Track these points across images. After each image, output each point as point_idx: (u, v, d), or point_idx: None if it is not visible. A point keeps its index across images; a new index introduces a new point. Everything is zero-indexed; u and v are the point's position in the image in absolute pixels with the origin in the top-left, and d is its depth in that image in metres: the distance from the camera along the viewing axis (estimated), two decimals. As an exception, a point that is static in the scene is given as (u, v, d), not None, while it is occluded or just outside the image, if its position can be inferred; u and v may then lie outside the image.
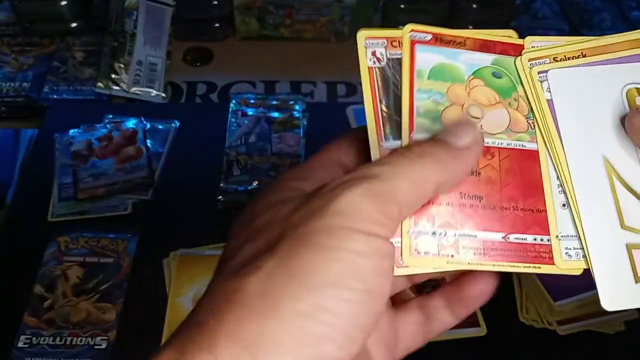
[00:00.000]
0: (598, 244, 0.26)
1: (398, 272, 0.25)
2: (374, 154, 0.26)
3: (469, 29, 0.31)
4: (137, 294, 0.57)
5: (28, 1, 0.79)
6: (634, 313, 0.55)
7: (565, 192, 0.27)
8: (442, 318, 0.29)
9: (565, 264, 0.26)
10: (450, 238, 0.25)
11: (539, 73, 0.28)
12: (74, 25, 0.82)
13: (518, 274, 0.58)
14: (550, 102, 0.28)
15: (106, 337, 0.54)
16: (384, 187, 0.22)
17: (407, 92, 0.27)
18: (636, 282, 0.26)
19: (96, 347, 0.53)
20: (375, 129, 0.27)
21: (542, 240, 0.26)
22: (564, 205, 0.27)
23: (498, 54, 0.28)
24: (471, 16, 0.83)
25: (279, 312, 0.20)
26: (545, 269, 0.26)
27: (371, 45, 0.28)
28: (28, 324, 0.54)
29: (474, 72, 0.28)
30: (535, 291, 0.56)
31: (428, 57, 0.28)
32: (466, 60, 0.28)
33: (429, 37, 0.28)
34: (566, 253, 0.26)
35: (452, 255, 0.25)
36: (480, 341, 0.54)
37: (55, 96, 0.74)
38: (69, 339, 0.53)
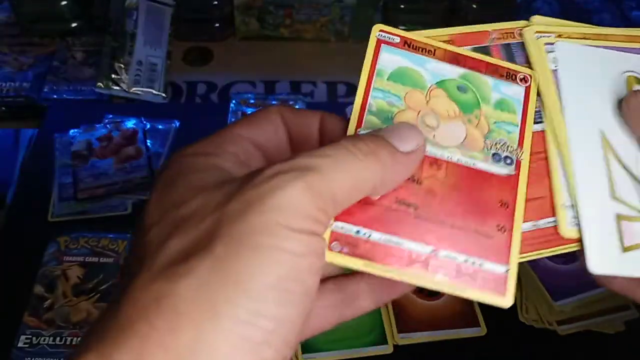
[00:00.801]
0: (590, 211, 0.27)
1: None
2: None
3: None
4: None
5: (28, 1, 0.79)
6: (634, 313, 0.56)
7: (564, 164, 0.27)
8: (361, 304, 0.27)
9: (571, 232, 0.26)
10: (374, 239, 0.24)
11: (545, 44, 0.29)
12: (74, 25, 0.82)
13: (519, 274, 0.58)
14: (554, 72, 0.28)
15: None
16: (324, 182, 0.21)
17: (362, 88, 0.27)
18: (623, 252, 0.26)
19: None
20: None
21: (473, 263, 0.25)
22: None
23: (468, 68, 0.28)
24: (471, 16, 0.83)
25: (215, 320, 0.19)
26: (470, 294, 0.24)
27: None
28: (28, 324, 0.54)
29: (437, 82, 0.28)
30: (535, 291, 0.56)
31: (393, 59, 0.28)
32: (432, 69, 0.28)
33: (397, 39, 0.28)
34: (572, 222, 0.27)
35: (371, 259, 0.24)
36: (480, 341, 0.54)
37: (55, 96, 0.74)
38: (69, 339, 0.53)
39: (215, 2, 0.81)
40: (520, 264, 0.57)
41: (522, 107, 0.28)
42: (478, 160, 0.26)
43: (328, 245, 0.24)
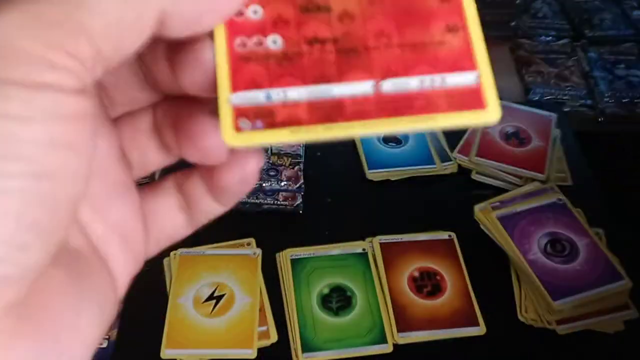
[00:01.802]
0: None
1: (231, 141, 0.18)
2: None
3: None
4: (137, 294, 0.57)
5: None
6: (634, 313, 0.56)
7: None
8: (207, 205, 0.22)
9: None
10: (293, 99, 0.19)
11: None
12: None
13: (516, 272, 0.58)
14: None
15: (107, 337, 0.54)
16: (59, 6, 0.14)
17: None
18: None
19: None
20: None
21: (432, 81, 0.19)
22: None
23: None
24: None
25: None
26: (442, 121, 0.19)
27: None
28: None
29: None
30: (535, 290, 0.56)
31: None
32: None
33: None
34: None
35: (299, 122, 0.19)
36: (480, 340, 0.55)
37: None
38: None
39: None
40: (519, 263, 0.57)
41: None
42: None
43: (235, 126, 0.18)
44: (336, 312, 0.55)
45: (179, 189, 0.22)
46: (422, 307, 0.56)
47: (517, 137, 0.70)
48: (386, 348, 0.53)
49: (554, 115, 0.73)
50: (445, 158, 0.69)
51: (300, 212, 0.63)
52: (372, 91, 0.19)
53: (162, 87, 0.21)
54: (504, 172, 0.67)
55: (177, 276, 0.56)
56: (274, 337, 0.54)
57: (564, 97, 0.80)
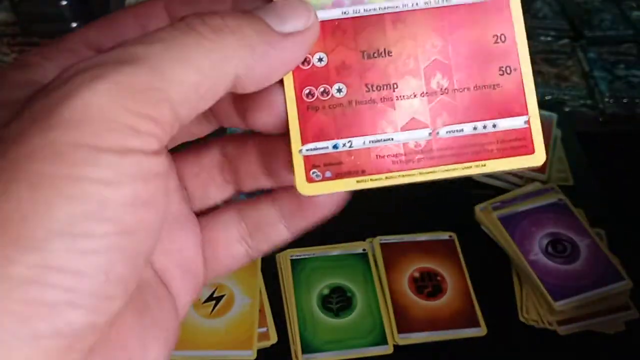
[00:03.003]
0: None
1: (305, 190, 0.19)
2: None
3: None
4: (136, 294, 0.57)
5: (28, 1, 0.79)
6: (634, 313, 0.55)
7: None
8: (275, 233, 0.22)
9: None
10: (357, 148, 0.19)
11: None
12: (74, 25, 0.82)
13: (517, 272, 0.58)
14: None
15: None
16: (145, 77, 0.15)
17: None
18: None
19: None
20: None
21: (485, 128, 0.19)
22: None
23: None
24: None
25: None
26: (492, 166, 0.20)
27: None
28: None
29: None
30: (536, 291, 0.56)
31: None
32: None
33: None
34: None
35: (364, 171, 0.20)
36: (480, 341, 0.54)
37: (55, 96, 0.74)
38: (68, 339, 0.53)
39: (215, 2, 0.81)
40: (520, 264, 0.57)
41: None
42: None
43: (307, 177, 0.19)
44: (336, 313, 0.55)
45: (242, 218, 0.22)
46: (422, 308, 0.56)
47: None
48: (386, 349, 0.53)
49: (554, 116, 0.73)
50: (445, 158, 0.68)
51: (300, 212, 0.63)
52: (429, 138, 0.19)
53: (221, 121, 0.22)
54: (504, 172, 0.66)
55: (176, 277, 0.56)
56: (273, 338, 0.53)
57: (564, 97, 0.80)
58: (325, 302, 0.56)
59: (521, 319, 0.56)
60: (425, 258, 0.59)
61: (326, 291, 0.56)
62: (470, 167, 0.19)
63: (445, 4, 0.20)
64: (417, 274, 0.58)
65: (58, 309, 0.14)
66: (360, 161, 0.20)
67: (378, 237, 0.60)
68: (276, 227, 0.22)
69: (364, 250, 0.60)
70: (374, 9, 0.19)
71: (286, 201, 0.22)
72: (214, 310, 0.54)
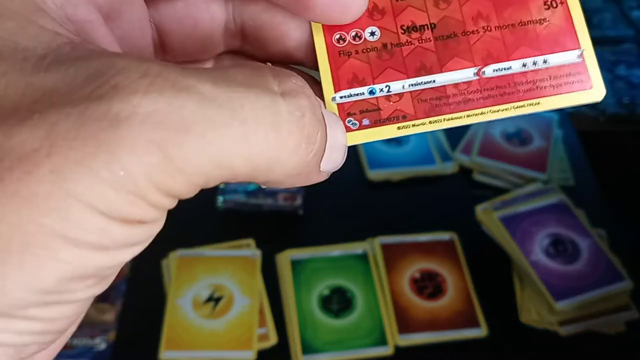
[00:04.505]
0: None
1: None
2: None
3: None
4: (136, 295, 0.56)
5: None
6: (635, 313, 0.55)
7: None
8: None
9: None
10: (396, 92, 0.18)
11: None
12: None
13: (518, 273, 0.58)
14: None
15: (105, 338, 0.53)
16: (199, 159, 0.13)
17: None
18: None
19: (95, 348, 0.53)
20: None
21: (535, 64, 0.19)
22: None
23: None
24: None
25: None
26: (548, 104, 0.19)
27: None
28: None
29: None
30: (537, 292, 0.56)
31: None
32: None
33: None
34: None
35: (405, 117, 0.18)
36: (481, 342, 0.54)
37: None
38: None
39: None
40: (521, 264, 0.56)
41: None
42: None
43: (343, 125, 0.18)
44: (336, 314, 0.55)
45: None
46: (423, 309, 0.55)
47: (518, 137, 0.70)
48: (387, 350, 0.53)
49: (555, 116, 0.73)
50: (446, 158, 0.68)
51: (300, 213, 0.63)
52: (475, 78, 0.18)
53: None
54: (505, 172, 0.66)
55: (175, 277, 0.56)
56: (273, 339, 0.53)
57: (565, 97, 0.80)
58: (326, 303, 0.55)
59: (522, 319, 0.56)
60: (426, 258, 0.59)
61: (326, 292, 0.56)
62: (524, 105, 0.18)
63: None
64: (417, 275, 0.58)
65: (23, 349, 0.13)
66: (401, 106, 0.18)
67: (378, 238, 0.60)
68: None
69: (364, 250, 0.59)
70: None
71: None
72: (214, 310, 0.54)
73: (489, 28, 0.19)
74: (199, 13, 0.18)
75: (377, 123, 0.18)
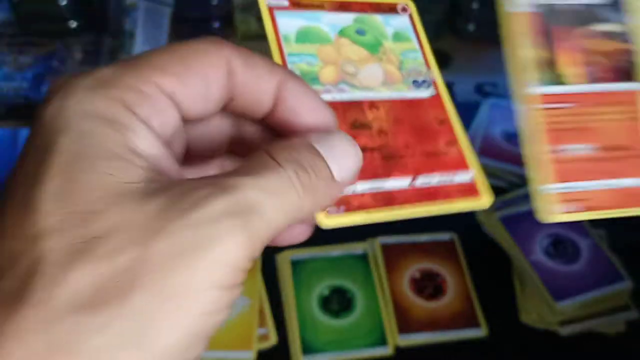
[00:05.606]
0: None
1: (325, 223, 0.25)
2: (527, 98, 0.28)
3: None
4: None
5: (28, 1, 0.79)
6: (635, 313, 0.55)
7: None
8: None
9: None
10: (360, 191, 0.25)
11: None
12: (74, 25, 0.81)
13: (518, 273, 0.58)
14: None
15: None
16: (264, 228, 0.18)
17: (278, 56, 0.27)
18: None
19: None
20: (528, 74, 0.28)
21: (444, 180, 0.27)
22: None
23: (357, 12, 0.30)
24: (472, 15, 0.82)
25: None
26: (452, 207, 0.26)
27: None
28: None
29: (339, 32, 0.29)
30: (537, 292, 0.56)
31: (290, 22, 0.29)
32: (328, 22, 0.29)
33: (286, 2, 0.29)
34: None
35: (368, 207, 0.26)
36: (481, 342, 0.54)
37: (54, 96, 0.74)
38: None
39: (215, 2, 0.81)
40: (521, 265, 0.57)
41: (414, 33, 0.30)
42: (404, 91, 0.28)
43: (325, 211, 0.25)
44: (336, 314, 0.55)
45: None
46: (423, 309, 0.56)
47: (518, 137, 0.70)
48: (387, 350, 0.53)
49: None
50: (446, 158, 0.68)
51: (300, 212, 0.63)
52: (409, 185, 0.26)
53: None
54: (505, 172, 0.66)
55: (176, 277, 0.56)
56: (273, 339, 0.53)
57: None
58: (326, 303, 0.56)
59: (522, 319, 0.56)
60: (426, 259, 0.59)
61: (326, 292, 0.56)
62: (440, 205, 0.26)
63: (401, 97, 0.28)
64: (417, 275, 0.58)
65: None
66: (364, 201, 0.26)
67: (378, 238, 0.60)
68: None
69: (364, 251, 0.59)
70: (354, 97, 0.27)
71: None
72: (214, 311, 0.54)
73: (414, 153, 0.27)
74: (214, 130, 0.24)
75: (349, 211, 0.25)
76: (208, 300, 0.17)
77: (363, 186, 0.26)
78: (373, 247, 0.59)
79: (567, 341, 0.54)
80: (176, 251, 0.16)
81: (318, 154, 0.21)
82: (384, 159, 0.26)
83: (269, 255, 0.59)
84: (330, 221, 0.25)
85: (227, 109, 0.22)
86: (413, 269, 0.58)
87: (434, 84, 0.29)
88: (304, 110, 0.22)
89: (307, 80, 0.27)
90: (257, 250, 0.19)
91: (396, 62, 0.29)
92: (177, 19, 0.80)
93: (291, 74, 0.23)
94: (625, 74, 0.29)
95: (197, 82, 0.20)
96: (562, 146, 0.27)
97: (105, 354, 0.15)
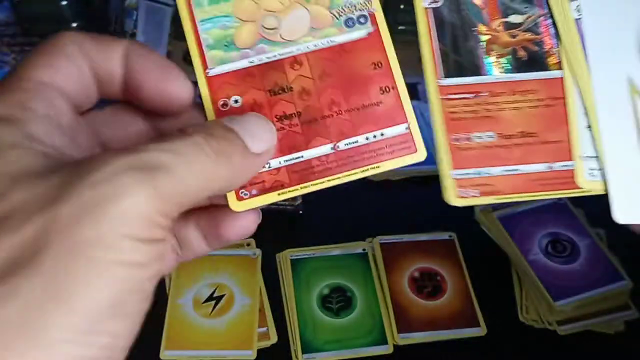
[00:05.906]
0: (616, 161, 0.27)
1: (237, 206, 0.24)
2: (431, 90, 0.26)
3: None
4: (137, 294, 0.57)
5: (28, 1, 0.79)
6: (634, 313, 0.55)
7: (587, 112, 0.27)
8: (197, 249, 0.27)
9: (589, 184, 0.27)
10: (275, 167, 0.24)
11: None
12: (74, 25, 0.82)
13: (517, 272, 0.58)
14: (577, 21, 0.28)
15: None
16: (174, 184, 0.19)
17: (189, 27, 0.26)
18: None
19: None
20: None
21: (375, 137, 0.25)
22: (588, 127, 0.27)
23: None
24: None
25: (44, 348, 0.16)
26: (386, 166, 0.25)
27: None
28: None
29: None
30: (536, 291, 0.56)
31: None
32: None
33: None
34: (590, 174, 0.27)
35: (282, 185, 0.24)
36: (480, 341, 0.54)
37: (55, 96, 0.74)
38: None
39: (215, 2, 0.81)
40: (520, 264, 0.57)
41: None
42: (333, 35, 0.25)
43: (237, 197, 0.24)
44: (336, 313, 0.55)
45: (174, 235, 0.26)
46: (422, 308, 0.56)
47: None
48: (386, 349, 0.53)
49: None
50: (445, 158, 0.68)
51: (300, 212, 0.63)
52: (332, 152, 0.24)
53: None
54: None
55: (176, 277, 0.56)
56: (273, 338, 0.53)
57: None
58: (325, 302, 0.56)
59: (521, 318, 0.56)
60: (425, 258, 0.59)
61: (326, 291, 0.56)
62: (367, 169, 0.24)
63: (330, 44, 0.25)
64: (417, 274, 0.58)
65: None
66: (279, 177, 0.24)
67: (378, 237, 0.60)
68: (201, 244, 0.26)
69: (364, 250, 0.60)
70: (274, 56, 0.25)
71: (204, 224, 0.26)
72: (214, 310, 0.54)
73: (340, 112, 0.25)
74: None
75: (262, 192, 0.24)
76: (123, 251, 0.18)
77: (278, 161, 0.24)
78: (372, 246, 0.60)
79: (566, 340, 0.55)
80: (80, 210, 0.17)
81: (230, 128, 0.22)
82: (304, 125, 0.24)
83: (269, 255, 0.59)
84: (242, 205, 0.24)
85: (98, 88, 0.24)
86: (412, 268, 0.58)
87: (373, 19, 0.26)
88: (152, 74, 0.24)
89: (222, 46, 0.25)
90: (171, 206, 0.19)
91: (327, 1, 0.26)
92: (177, 19, 0.81)
93: (136, 42, 0.24)
94: (531, 64, 0.28)
95: (65, 65, 0.22)
96: (462, 134, 0.27)
97: (18, 319, 0.16)
